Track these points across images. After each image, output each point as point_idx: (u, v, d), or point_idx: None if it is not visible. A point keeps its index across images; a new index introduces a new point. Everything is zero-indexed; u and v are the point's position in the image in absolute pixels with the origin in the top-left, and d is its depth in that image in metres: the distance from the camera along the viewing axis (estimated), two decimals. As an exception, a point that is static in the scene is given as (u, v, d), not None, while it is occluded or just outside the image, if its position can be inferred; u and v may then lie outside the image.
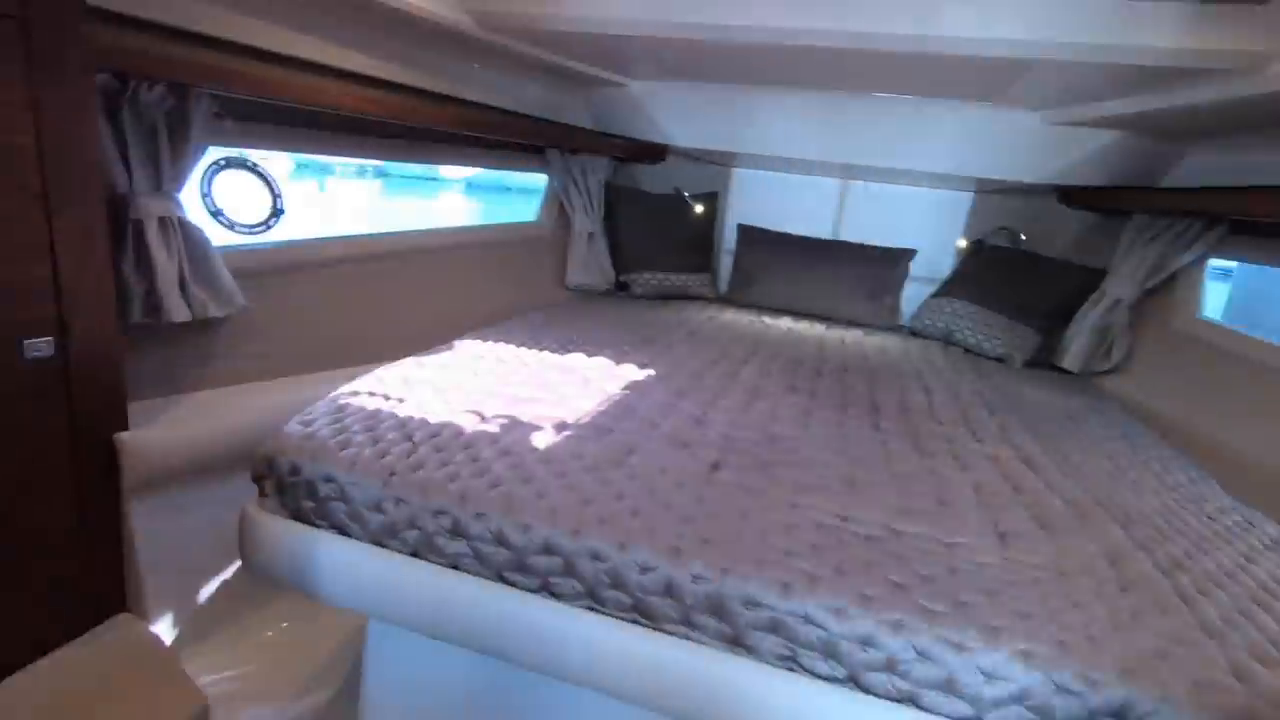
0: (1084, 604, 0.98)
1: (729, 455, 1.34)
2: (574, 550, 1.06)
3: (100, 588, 1.50)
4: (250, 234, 1.91)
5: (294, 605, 1.79)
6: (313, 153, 2.18)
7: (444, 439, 1.29)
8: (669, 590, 1.02)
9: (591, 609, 1.06)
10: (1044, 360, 2.64)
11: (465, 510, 1.11)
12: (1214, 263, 2.46)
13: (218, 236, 1.73)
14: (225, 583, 1.70)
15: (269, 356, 1.89)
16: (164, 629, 1.60)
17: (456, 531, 1.11)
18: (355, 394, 1.46)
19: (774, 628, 0.97)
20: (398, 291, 2.30)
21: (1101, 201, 2.64)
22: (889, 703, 0.93)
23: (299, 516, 1.22)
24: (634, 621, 1.04)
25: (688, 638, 1.02)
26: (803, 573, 1.00)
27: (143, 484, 1.49)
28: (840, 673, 0.95)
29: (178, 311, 1.60)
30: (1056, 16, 1.67)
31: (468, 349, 1.88)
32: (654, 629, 1.03)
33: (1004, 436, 1.66)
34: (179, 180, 1.61)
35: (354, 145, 2.20)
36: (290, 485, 1.22)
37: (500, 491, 1.14)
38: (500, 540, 1.09)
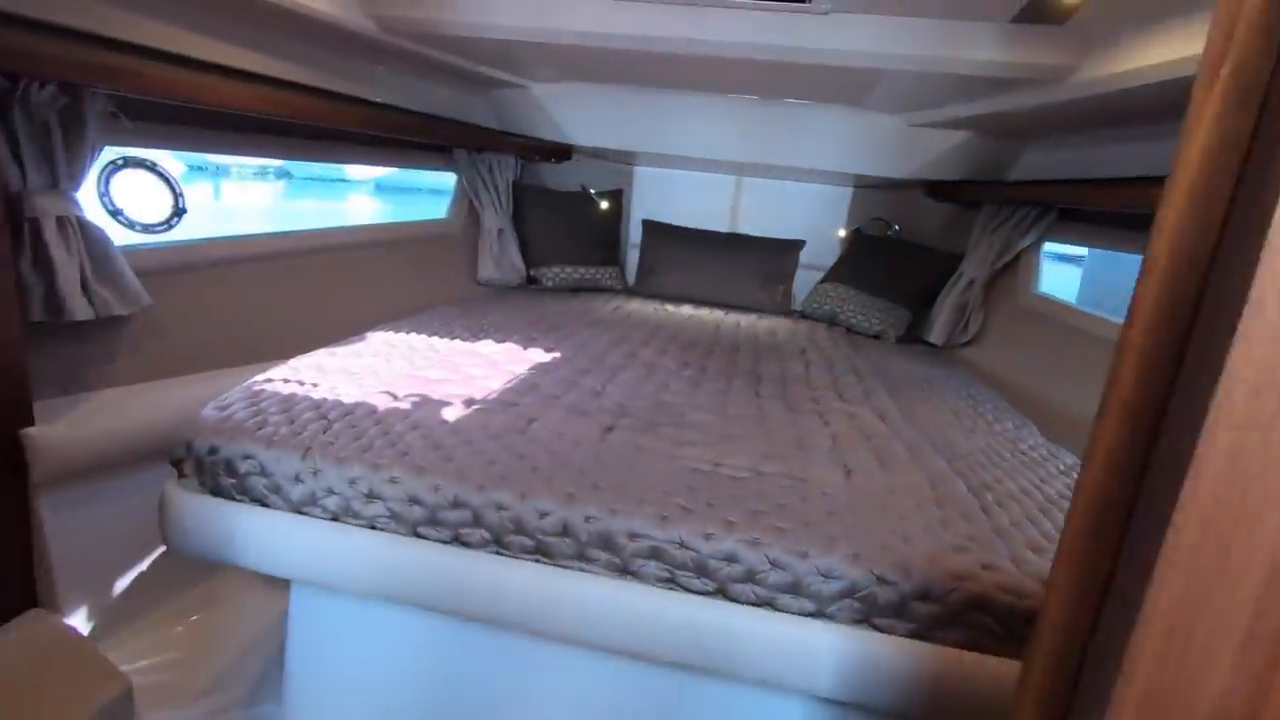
0: (905, 516, 1.20)
1: (622, 420, 1.51)
2: (481, 503, 1.20)
3: (10, 585, 1.51)
4: (152, 233, 1.92)
5: (212, 593, 1.84)
6: (214, 152, 2.19)
7: (357, 416, 1.39)
8: (565, 531, 1.17)
9: (498, 554, 1.20)
10: (914, 336, 2.96)
11: (379, 476, 1.23)
12: (1066, 250, 2.84)
13: (119, 236, 1.75)
14: (141, 574, 1.73)
15: (177, 354, 1.91)
16: (79, 623, 1.62)
17: (372, 495, 1.23)
18: (269, 381, 1.53)
19: (654, 554, 1.14)
20: (308, 289, 2.34)
21: (958, 194, 2.98)
22: (751, 607, 1.12)
23: (218, 493, 1.29)
24: (535, 561, 1.19)
25: (582, 570, 1.17)
26: (678, 507, 1.17)
27: (52, 479, 1.51)
28: (710, 586, 1.13)
29: (80, 310, 1.62)
30: (900, 34, 1.93)
31: (380, 339, 1.97)
32: (553, 565, 1.18)
33: (866, 398, 1.90)
34: (75, 180, 1.63)
35: (258, 145, 2.23)
36: (209, 464, 1.29)
37: (411, 458, 1.26)
38: (413, 500, 1.21)
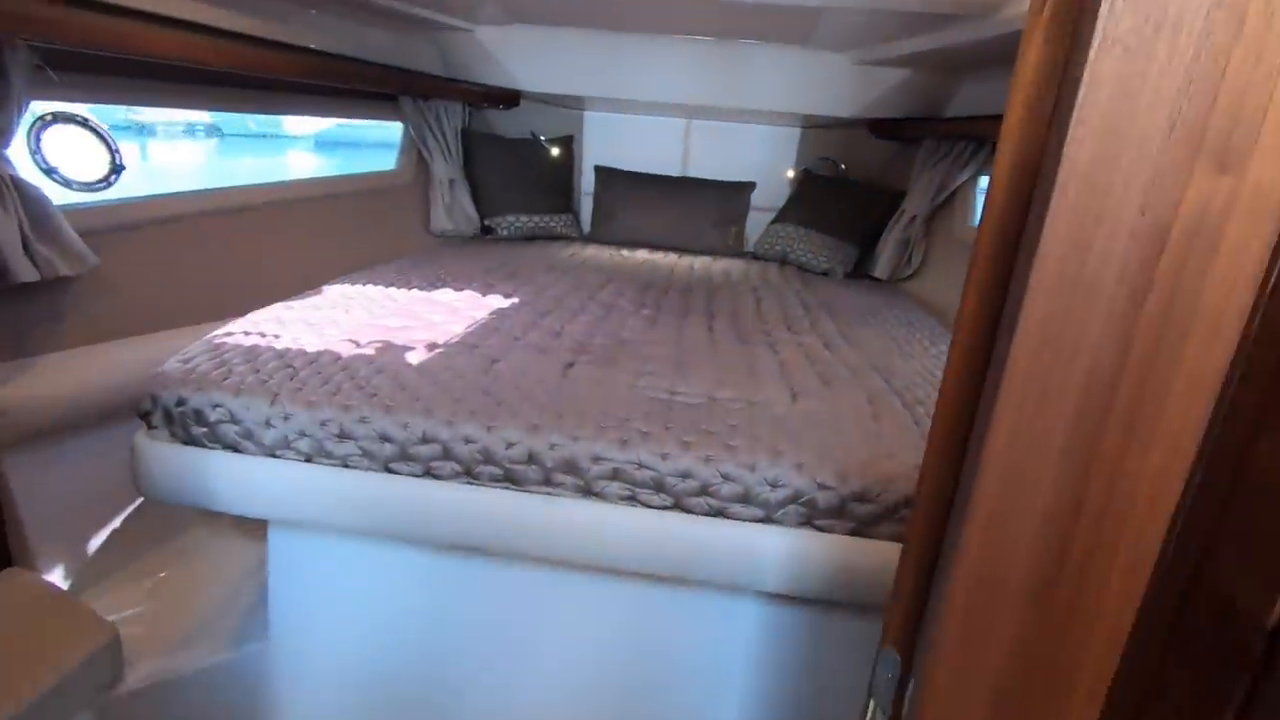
0: (845, 430, 1.31)
1: (582, 356, 1.58)
2: (450, 437, 1.26)
3: (-18, 546, 1.53)
4: (91, 192, 1.88)
5: (188, 545, 1.88)
6: (145, 105, 2.13)
7: (323, 363, 1.43)
8: (531, 459, 1.25)
9: (468, 484, 1.28)
10: (861, 272, 3.08)
11: (349, 416, 1.28)
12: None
13: (56, 195, 1.71)
14: (115, 530, 1.76)
15: (126, 315, 1.90)
16: (56, 580, 1.65)
17: (343, 435, 1.28)
18: (229, 334, 1.55)
19: (615, 475, 1.23)
20: (257, 245, 2.32)
21: (899, 132, 3.07)
22: (706, 518, 1.23)
23: (190, 442, 1.33)
24: (504, 488, 1.27)
25: (549, 494, 1.26)
26: (637, 431, 1.26)
27: (14, 441, 1.52)
28: (668, 501, 1.23)
29: (24, 272, 1.59)
30: (838, -32, 1.97)
31: (337, 291, 1.98)
32: (521, 491, 1.26)
33: (813, 328, 2.01)
34: (4, 136, 1.58)
35: (190, 96, 2.17)
36: (178, 415, 1.32)
37: (380, 398, 1.31)
38: (384, 438, 1.27)
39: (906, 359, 1.80)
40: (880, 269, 3.00)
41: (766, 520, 1.22)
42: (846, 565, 1.20)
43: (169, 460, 1.32)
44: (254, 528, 1.93)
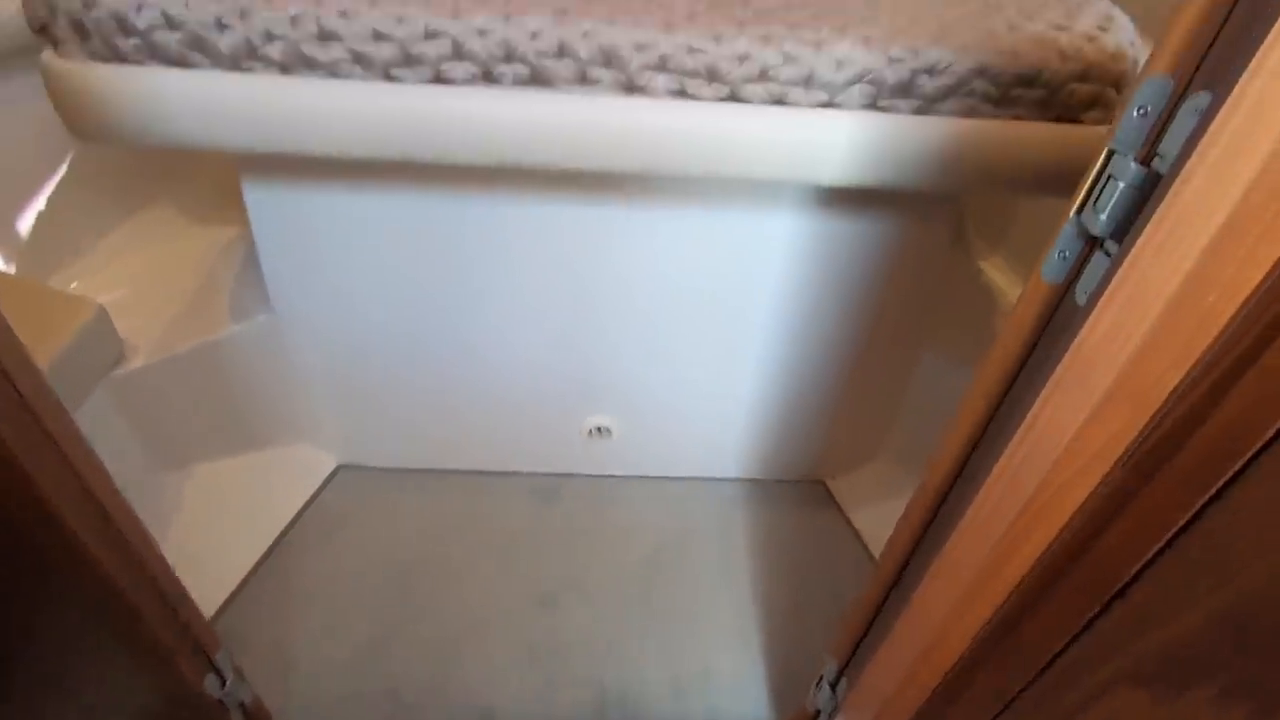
0: (912, 7, 1.16)
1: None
2: (459, 31, 1.04)
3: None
4: None
5: (143, 229, 1.67)
6: None
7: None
8: (562, 51, 1.06)
9: (489, 89, 1.10)
10: None
11: (325, 10, 1.02)
12: None
13: None
14: (50, 200, 1.52)
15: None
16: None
17: (326, 35, 1.04)
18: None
19: (663, 64, 1.07)
20: None
21: None
22: (762, 106, 1.12)
23: (119, 60, 1.06)
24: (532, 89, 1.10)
25: (586, 93, 1.10)
26: (683, 13, 1.07)
27: None
28: (723, 92, 1.10)
29: None
30: None
31: None
32: (553, 93, 1.10)
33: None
34: None
35: None
36: (92, 26, 1.02)
37: (356, -14, 1.04)
38: (378, 35, 1.04)
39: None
40: None
41: (829, 105, 1.12)
42: (910, 145, 1.15)
43: (99, 84, 1.05)
44: (220, 204, 1.73)
